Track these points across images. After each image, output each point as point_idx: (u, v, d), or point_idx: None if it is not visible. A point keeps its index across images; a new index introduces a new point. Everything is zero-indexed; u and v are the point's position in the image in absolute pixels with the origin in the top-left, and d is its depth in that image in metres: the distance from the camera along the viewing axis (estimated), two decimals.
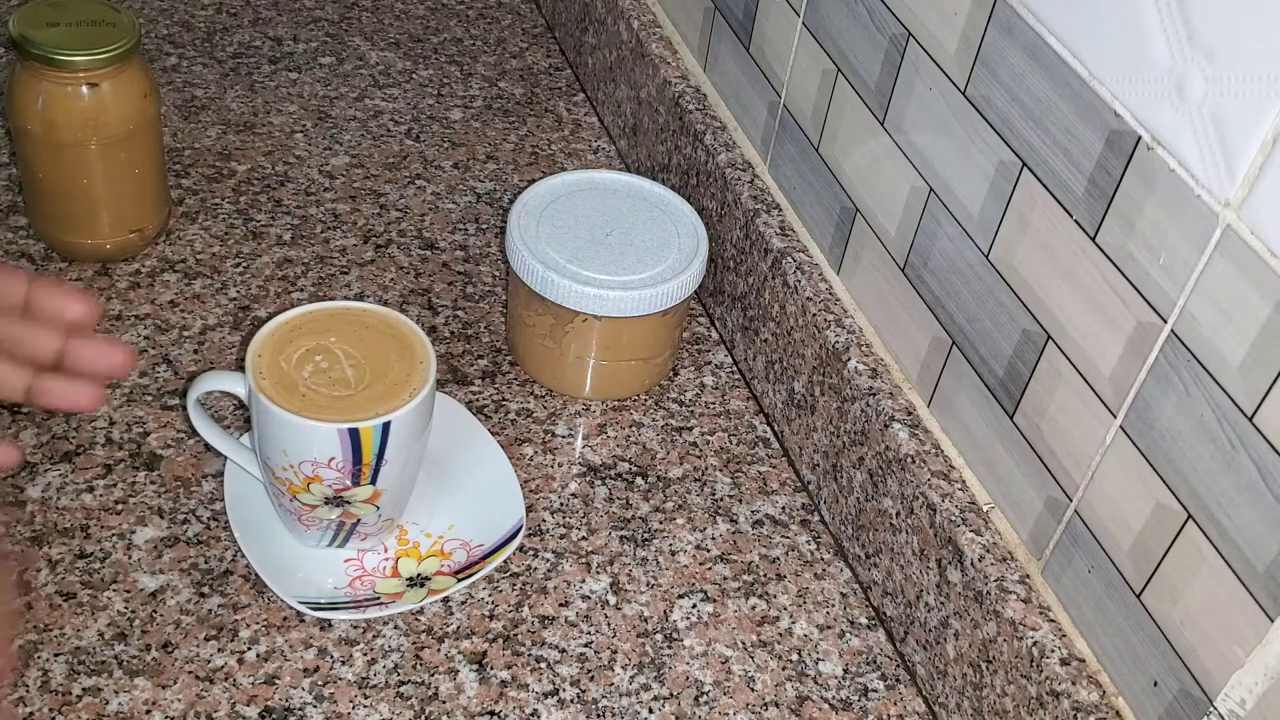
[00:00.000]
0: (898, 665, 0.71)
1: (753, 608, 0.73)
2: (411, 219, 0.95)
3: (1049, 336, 0.62)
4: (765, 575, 0.75)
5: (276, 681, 0.66)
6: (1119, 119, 0.55)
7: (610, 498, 0.78)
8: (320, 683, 0.66)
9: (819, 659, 0.71)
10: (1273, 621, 0.51)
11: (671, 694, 0.68)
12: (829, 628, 0.73)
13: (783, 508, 0.79)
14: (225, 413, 0.79)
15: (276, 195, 0.95)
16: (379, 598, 0.69)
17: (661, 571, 0.74)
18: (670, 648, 0.70)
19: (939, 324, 0.70)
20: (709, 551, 0.76)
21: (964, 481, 0.69)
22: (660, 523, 0.77)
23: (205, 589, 0.69)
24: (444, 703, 0.66)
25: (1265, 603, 0.51)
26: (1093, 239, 0.58)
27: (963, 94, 0.65)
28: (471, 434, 0.78)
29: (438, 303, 0.89)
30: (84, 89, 0.79)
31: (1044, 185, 0.61)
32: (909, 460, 0.69)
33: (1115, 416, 0.58)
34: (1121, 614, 0.59)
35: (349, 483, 0.66)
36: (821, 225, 0.81)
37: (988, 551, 0.65)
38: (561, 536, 0.75)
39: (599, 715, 0.67)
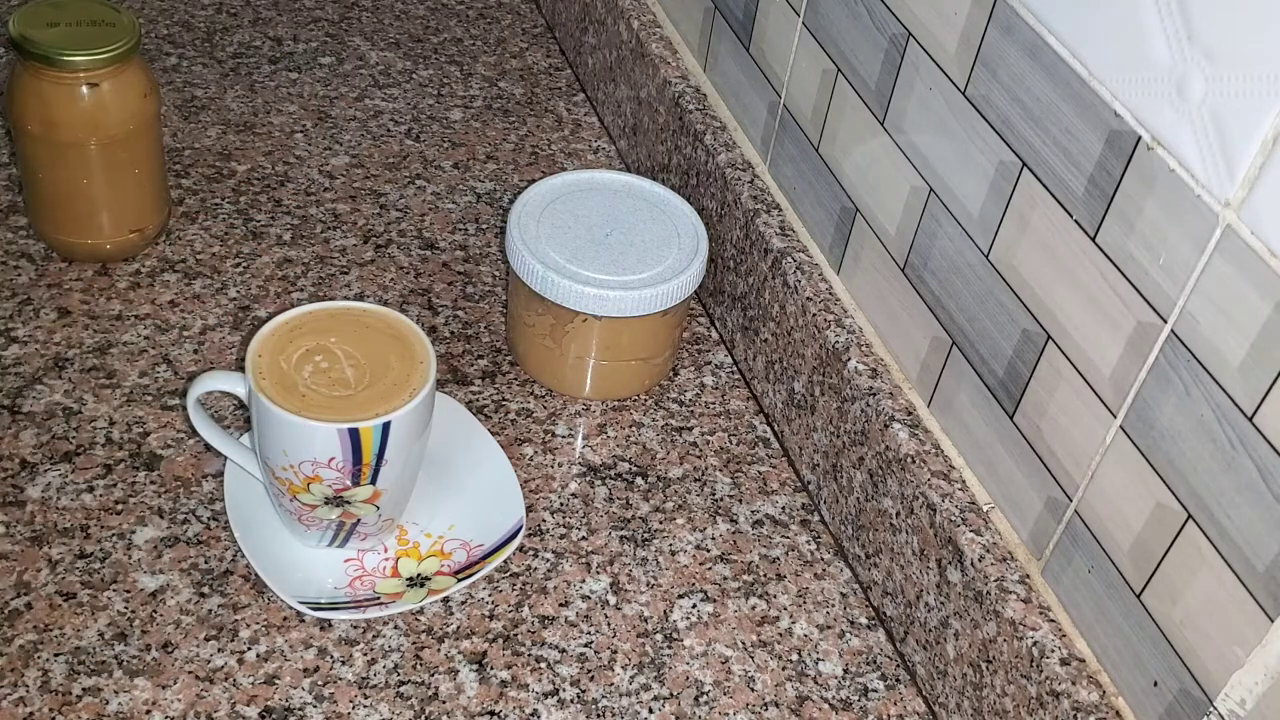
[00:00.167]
0: (898, 665, 0.71)
1: (753, 608, 0.73)
2: (411, 219, 0.95)
3: (1049, 336, 0.62)
4: (765, 575, 0.75)
5: (276, 681, 0.66)
6: (1119, 119, 0.55)
7: (610, 498, 0.78)
8: (320, 683, 0.66)
9: (819, 659, 0.71)
10: (1273, 621, 0.51)
11: (671, 694, 0.68)
12: (829, 628, 0.73)
13: (783, 508, 0.79)
14: (225, 413, 0.79)
15: (276, 195, 0.95)
16: (379, 598, 0.69)
17: (661, 571, 0.74)
18: (670, 648, 0.70)
19: (939, 324, 0.70)
20: (709, 551, 0.76)
21: (964, 481, 0.69)
22: (660, 523, 0.77)
23: (205, 589, 0.69)
24: (444, 703, 0.66)
25: (1265, 603, 0.51)
26: (1093, 239, 0.58)
27: (963, 94, 0.65)
28: (471, 434, 0.78)
29: (438, 303, 0.89)
30: (84, 89, 0.79)
31: (1044, 185, 0.61)
32: (909, 460, 0.69)
33: (1115, 416, 0.58)
34: (1121, 614, 0.59)
35: (349, 483, 0.66)
36: (821, 225, 0.81)
37: (988, 551, 0.65)
38: (561, 536, 0.75)
39: (599, 715, 0.67)
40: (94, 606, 0.68)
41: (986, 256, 0.65)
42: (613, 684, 0.68)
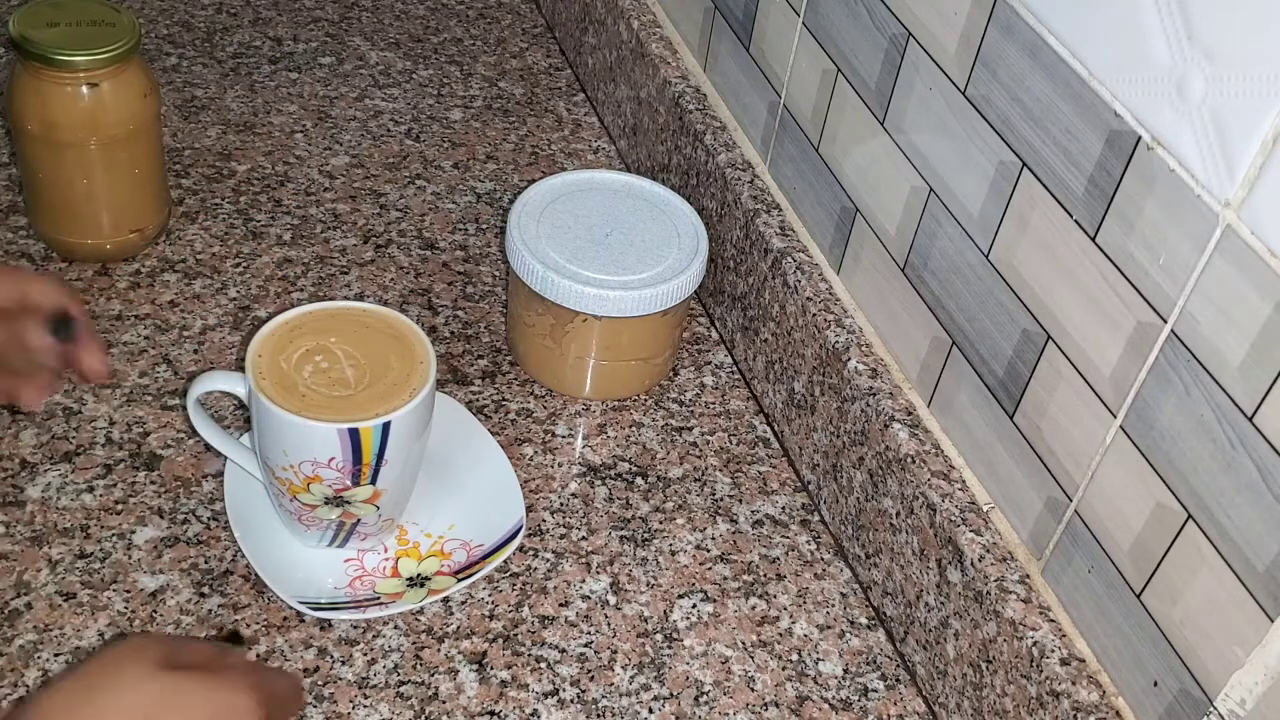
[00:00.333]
0: (898, 665, 0.71)
1: (753, 608, 0.73)
2: (411, 219, 0.95)
3: (1049, 336, 0.62)
4: (765, 575, 0.75)
5: None
6: (1119, 119, 0.55)
7: (610, 498, 0.78)
8: (320, 683, 0.66)
9: (819, 659, 0.71)
10: (1273, 621, 0.51)
11: (671, 694, 0.68)
12: (829, 628, 0.73)
13: (783, 508, 0.79)
14: (225, 413, 0.79)
15: (276, 195, 0.95)
16: (379, 598, 0.69)
17: (661, 571, 0.74)
18: (670, 648, 0.70)
19: (939, 324, 0.70)
20: (709, 551, 0.76)
21: (964, 481, 0.69)
22: (660, 523, 0.77)
23: (205, 589, 0.69)
24: (444, 703, 0.66)
25: (1265, 603, 0.51)
26: (1093, 239, 0.58)
27: (963, 94, 0.65)
28: (471, 434, 0.78)
29: (438, 303, 0.89)
30: (84, 89, 0.79)
31: (1044, 185, 0.61)
32: (909, 460, 0.69)
33: (1115, 416, 0.58)
34: (1121, 614, 0.59)
35: (349, 483, 0.66)
36: (821, 225, 0.81)
37: (988, 551, 0.65)
38: (561, 536, 0.75)
39: (599, 715, 0.67)
40: (94, 606, 0.68)
41: (986, 256, 0.65)
42: (613, 684, 0.68)
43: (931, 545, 0.68)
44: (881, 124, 0.73)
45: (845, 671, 0.71)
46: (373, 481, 0.67)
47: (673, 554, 0.75)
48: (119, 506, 0.73)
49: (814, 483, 0.79)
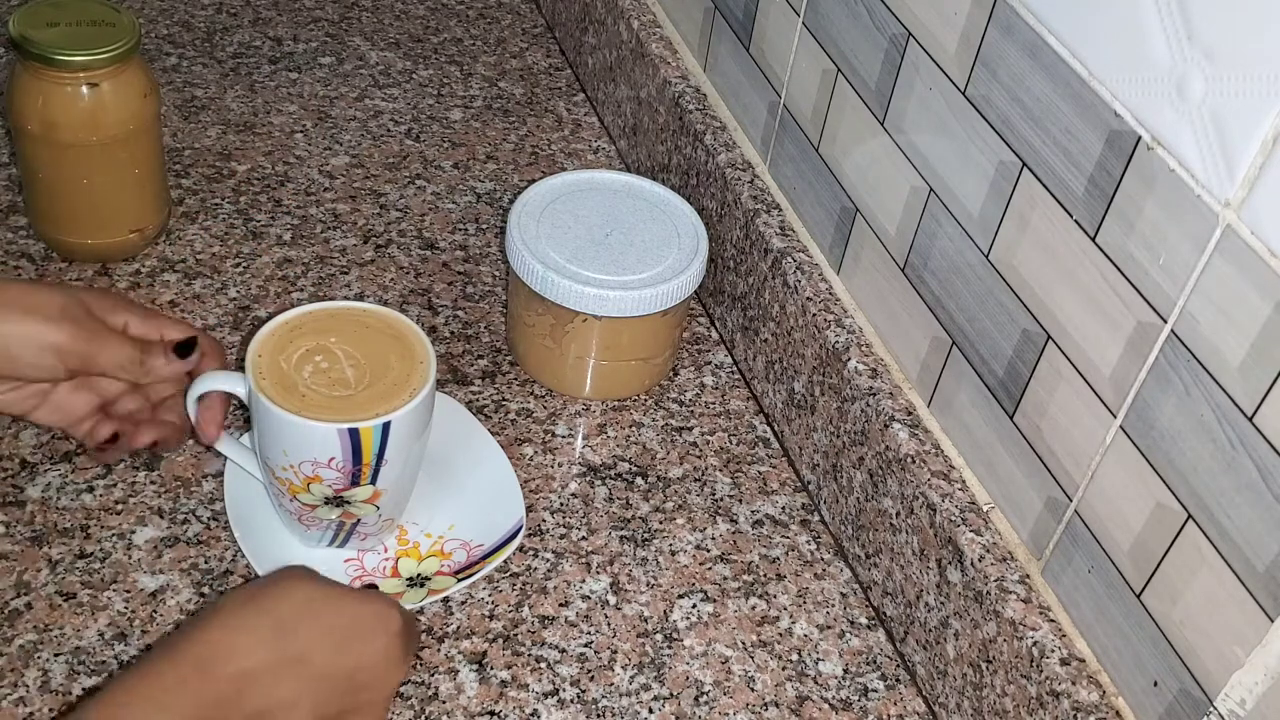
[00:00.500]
0: (898, 665, 0.71)
1: (753, 608, 0.73)
2: (411, 219, 0.95)
3: (1049, 336, 0.62)
4: (765, 575, 0.75)
5: None
6: (1119, 119, 0.55)
7: (610, 498, 0.78)
8: None
9: (819, 659, 0.71)
10: (1273, 621, 0.51)
11: (671, 694, 0.68)
12: (829, 628, 0.73)
13: (783, 508, 0.79)
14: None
15: (276, 195, 0.95)
16: None
17: (661, 571, 0.74)
18: (670, 648, 0.70)
19: (939, 324, 0.70)
20: (709, 551, 0.76)
21: (964, 481, 0.69)
22: (660, 523, 0.77)
23: (205, 589, 0.69)
24: (444, 703, 0.66)
25: (1265, 603, 0.51)
26: (1093, 239, 0.58)
27: (963, 94, 0.65)
28: (471, 434, 0.78)
29: (438, 303, 0.89)
30: (84, 89, 0.79)
31: (1044, 185, 0.61)
32: (909, 460, 0.69)
33: (1115, 416, 0.58)
34: (1121, 614, 0.59)
35: (349, 483, 0.66)
36: (821, 225, 0.81)
37: (988, 551, 0.65)
38: (561, 536, 0.75)
39: (599, 715, 0.67)
40: (94, 606, 0.68)
41: (986, 256, 0.65)
42: (613, 684, 0.68)
43: (931, 545, 0.68)
44: (881, 124, 0.73)
45: (845, 671, 0.71)
46: (373, 481, 0.67)
47: (673, 554, 0.75)
48: (119, 506, 0.73)
49: (814, 483, 0.79)
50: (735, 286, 0.87)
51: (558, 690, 0.67)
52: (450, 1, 1.20)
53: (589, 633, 0.70)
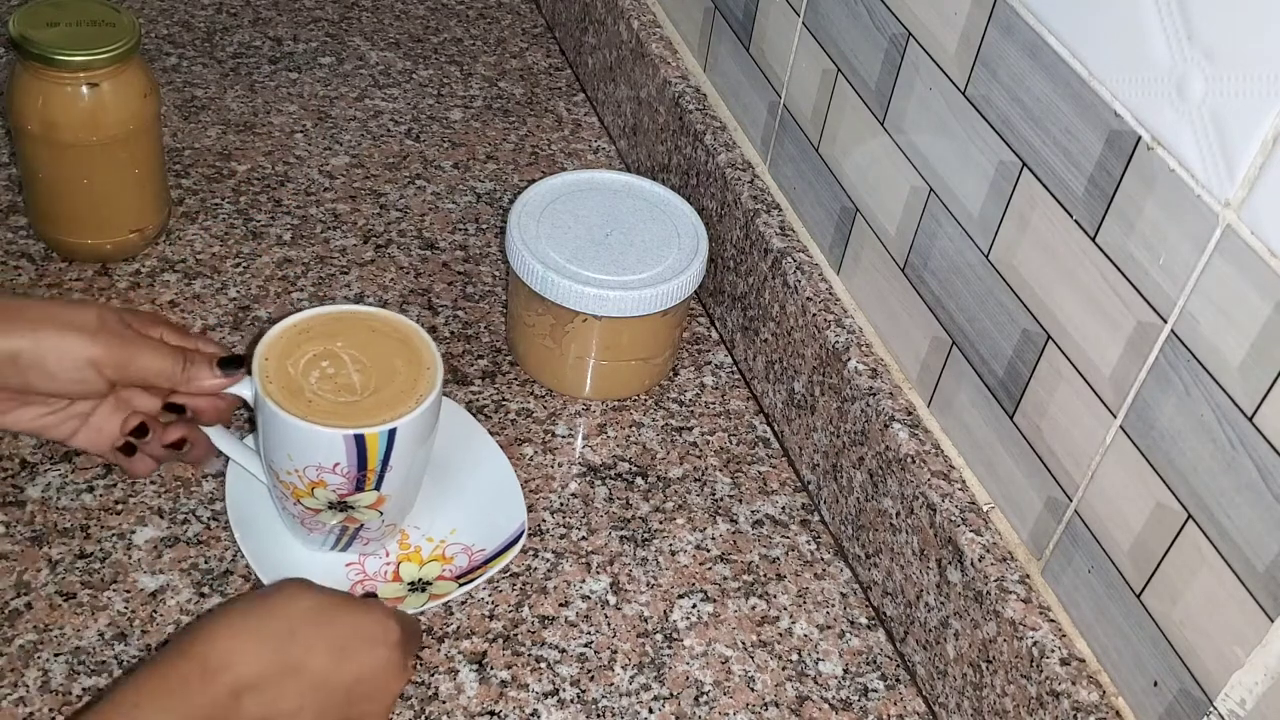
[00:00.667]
0: (898, 665, 0.71)
1: (753, 608, 0.73)
2: (411, 219, 0.95)
3: (1049, 336, 0.62)
4: (765, 575, 0.75)
5: None
6: (1119, 119, 0.55)
7: (610, 498, 0.78)
8: None
9: (819, 659, 0.71)
10: (1273, 621, 0.51)
11: (671, 694, 0.68)
12: (829, 628, 0.73)
13: (783, 508, 0.79)
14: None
15: (276, 195, 0.95)
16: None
17: (661, 571, 0.74)
18: (670, 648, 0.70)
19: (939, 324, 0.70)
20: (709, 551, 0.76)
21: (964, 481, 0.69)
22: (660, 523, 0.77)
23: (205, 589, 0.69)
24: (444, 703, 0.66)
25: (1265, 603, 0.51)
26: (1093, 239, 0.58)
27: (963, 94, 0.65)
28: (472, 436, 0.78)
29: (438, 303, 0.89)
30: (84, 89, 0.79)
31: (1044, 185, 0.61)
32: (909, 460, 0.69)
33: (1115, 416, 0.58)
34: (1121, 614, 0.59)
35: (353, 488, 0.66)
36: (821, 225, 0.81)
37: (988, 551, 0.65)
38: (561, 536, 0.75)
39: (599, 715, 0.67)
40: (94, 606, 0.68)
41: (986, 256, 0.65)
42: (613, 684, 0.68)
43: (931, 545, 0.68)
44: (881, 124, 0.73)
45: (845, 671, 0.71)
46: (377, 487, 0.67)
47: (673, 554, 0.75)
48: (119, 506, 0.73)
49: (814, 483, 0.79)
50: (735, 286, 0.87)
51: (558, 690, 0.67)
52: (450, 1, 1.20)
53: (589, 633, 0.70)
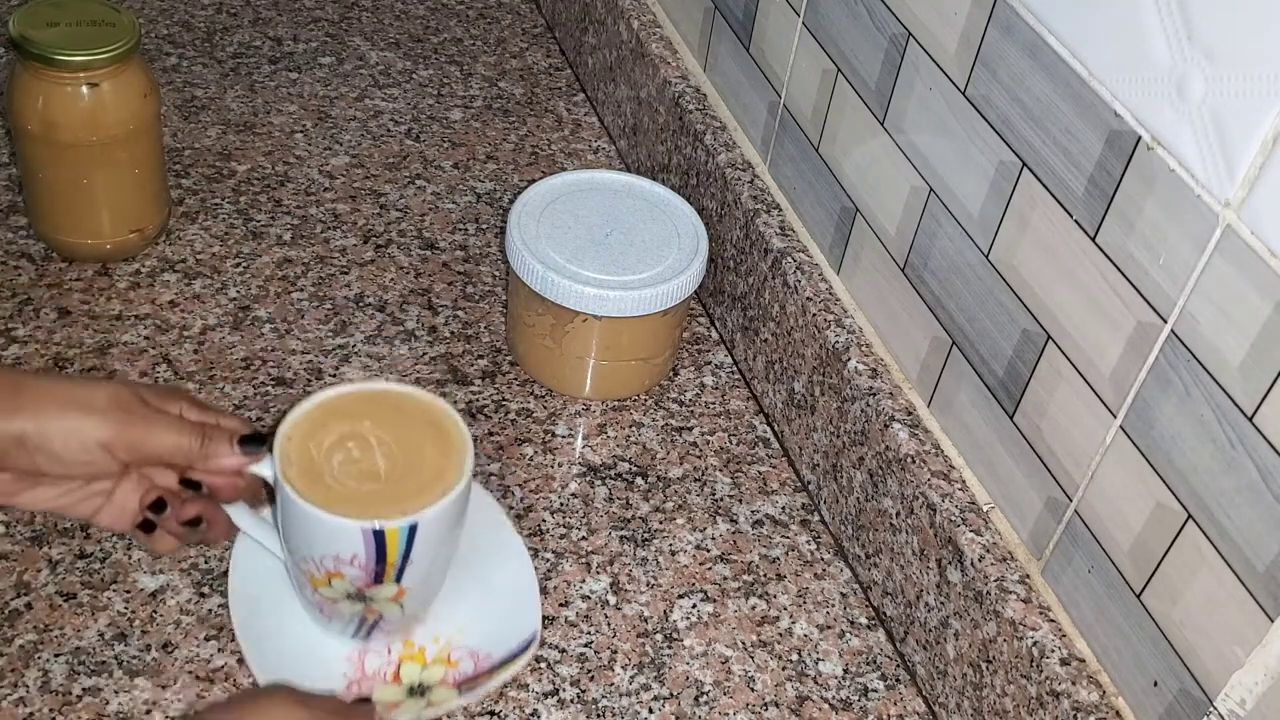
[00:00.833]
0: (898, 665, 0.71)
1: (753, 608, 0.73)
2: (411, 219, 0.95)
3: (1049, 336, 0.62)
4: (765, 575, 0.75)
5: None
6: (1119, 119, 0.55)
7: (610, 498, 0.78)
8: None
9: (819, 659, 0.71)
10: (1273, 621, 0.51)
11: (671, 694, 0.68)
12: (829, 628, 0.73)
13: (783, 508, 0.79)
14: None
15: (276, 195, 0.95)
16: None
17: (661, 571, 0.74)
18: (670, 648, 0.70)
19: (939, 324, 0.70)
20: (709, 551, 0.76)
21: (964, 481, 0.69)
22: (660, 523, 0.77)
23: (205, 589, 0.69)
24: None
25: (1265, 603, 0.51)
26: (1093, 239, 0.58)
27: (963, 94, 0.65)
28: (499, 529, 0.73)
29: (438, 303, 0.89)
30: (84, 89, 0.79)
31: (1044, 185, 0.61)
32: (909, 460, 0.69)
33: (1115, 416, 0.58)
34: (1121, 614, 0.59)
35: (371, 580, 0.62)
36: (821, 225, 0.81)
37: (988, 551, 0.65)
38: (561, 536, 0.75)
39: (599, 715, 0.67)
40: (94, 606, 0.68)
41: (986, 256, 0.65)
42: (613, 684, 0.68)
43: (931, 545, 0.68)
44: (881, 124, 0.73)
45: (845, 671, 0.71)
46: (397, 580, 0.63)
47: (673, 554, 0.75)
48: None
49: (814, 483, 0.79)
50: (735, 286, 0.87)
51: (558, 690, 0.67)
52: (450, 1, 1.20)
53: (589, 633, 0.70)
